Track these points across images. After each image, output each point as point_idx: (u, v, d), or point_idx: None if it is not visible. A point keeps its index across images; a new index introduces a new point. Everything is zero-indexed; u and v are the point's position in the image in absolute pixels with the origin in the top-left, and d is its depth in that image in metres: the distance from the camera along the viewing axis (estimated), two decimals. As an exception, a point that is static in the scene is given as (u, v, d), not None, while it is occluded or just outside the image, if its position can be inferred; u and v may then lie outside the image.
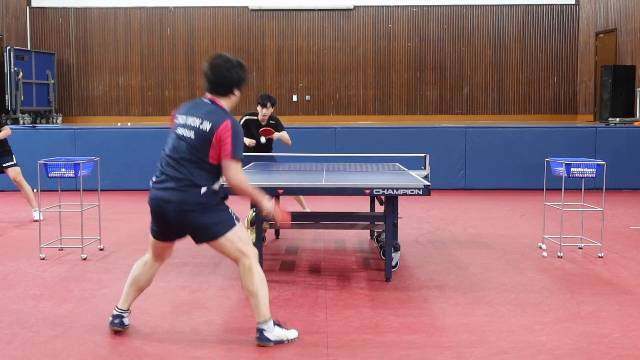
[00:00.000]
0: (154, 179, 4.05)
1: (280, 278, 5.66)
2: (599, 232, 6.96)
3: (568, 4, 17.32)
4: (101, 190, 7.30)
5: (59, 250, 6.66)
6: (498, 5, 17.37)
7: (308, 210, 8.22)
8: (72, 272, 5.87)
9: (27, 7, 17.44)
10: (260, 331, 4.04)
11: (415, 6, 17.40)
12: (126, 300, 4.31)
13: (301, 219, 6.88)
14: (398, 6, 17.39)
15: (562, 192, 6.79)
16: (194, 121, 3.96)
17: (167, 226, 4.06)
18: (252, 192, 4.05)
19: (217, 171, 4.00)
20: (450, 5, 17.35)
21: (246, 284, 4.05)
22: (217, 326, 4.48)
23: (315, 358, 3.89)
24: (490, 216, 8.97)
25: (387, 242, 5.54)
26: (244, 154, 7.57)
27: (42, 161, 6.54)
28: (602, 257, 6.42)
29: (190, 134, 3.95)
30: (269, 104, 7.82)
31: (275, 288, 5.33)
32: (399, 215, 6.44)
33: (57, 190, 6.88)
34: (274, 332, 4.06)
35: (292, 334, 4.15)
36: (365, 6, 17.40)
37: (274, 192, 5.90)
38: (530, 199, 10.28)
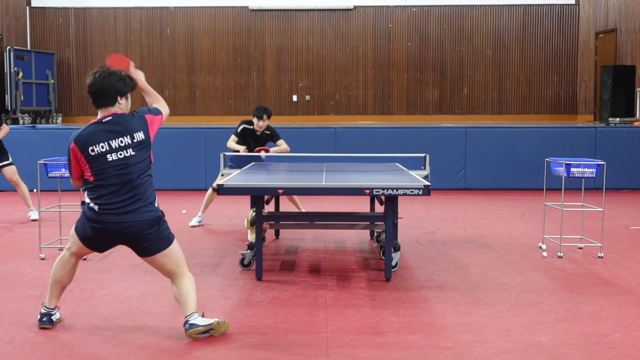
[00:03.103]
0: (108, 206, 4.02)
1: (280, 278, 5.66)
2: (599, 232, 6.96)
3: (568, 4, 17.32)
4: (101, 190, 7.28)
5: (59, 250, 6.65)
6: (498, 5, 17.36)
7: (303, 210, 8.21)
8: (72, 272, 5.86)
9: (27, 7, 17.43)
10: (187, 322, 4.11)
11: (415, 6, 17.40)
12: (52, 298, 4.41)
13: (301, 219, 6.88)
14: (398, 6, 17.38)
15: (562, 192, 6.79)
16: (123, 140, 4.01)
17: (111, 243, 4.20)
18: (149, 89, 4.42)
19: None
20: (450, 5, 17.34)
21: (179, 287, 4.19)
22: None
23: (315, 358, 3.89)
24: (490, 216, 8.97)
25: (387, 242, 5.54)
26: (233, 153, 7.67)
27: (42, 161, 6.54)
28: (602, 257, 6.42)
29: (131, 153, 4.01)
30: (265, 116, 7.80)
31: (275, 288, 5.33)
32: (399, 215, 6.44)
33: (57, 190, 6.88)
34: (199, 320, 4.11)
35: (212, 321, 4.17)
36: (365, 6, 17.39)
37: (274, 192, 5.92)
38: (530, 199, 10.28)
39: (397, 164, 7.38)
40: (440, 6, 17.37)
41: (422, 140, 11.18)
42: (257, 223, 5.66)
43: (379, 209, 6.70)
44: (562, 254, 6.46)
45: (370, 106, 17.53)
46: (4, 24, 16.35)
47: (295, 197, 8.11)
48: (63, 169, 6.47)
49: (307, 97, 17.48)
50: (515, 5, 17.34)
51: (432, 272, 5.88)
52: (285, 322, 4.52)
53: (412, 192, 5.27)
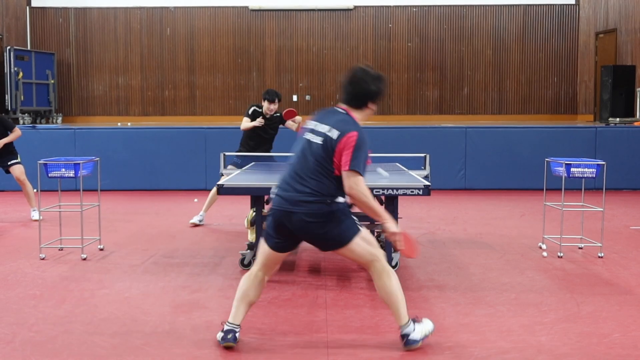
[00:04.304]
0: (278, 187, 3.99)
1: (280, 278, 5.66)
2: (599, 232, 6.96)
3: (568, 4, 17.31)
4: (101, 190, 7.29)
5: (59, 250, 6.66)
6: (498, 5, 17.36)
7: None
8: (72, 272, 5.87)
9: (27, 7, 17.42)
10: (405, 336, 3.99)
11: (415, 6, 17.39)
12: (237, 315, 4.13)
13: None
14: (398, 6, 17.38)
15: (562, 192, 6.79)
16: (323, 128, 3.92)
17: (289, 236, 4.03)
18: (373, 206, 3.91)
19: (341, 183, 3.90)
20: (450, 5, 17.34)
21: (384, 286, 4.02)
22: (217, 326, 4.47)
23: (315, 358, 3.89)
24: (490, 216, 8.96)
25: (387, 242, 5.54)
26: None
27: (42, 161, 6.53)
28: (602, 257, 6.42)
29: (318, 140, 3.91)
30: (276, 100, 8.04)
31: (275, 288, 5.34)
32: (399, 215, 6.44)
33: (57, 190, 6.88)
34: (416, 332, 4.02)
35: (429, 325, 4.10)
36: (365, 6, 17.38)
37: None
38: (530, 199, 10.28)
39: (397, 164, 7.38)
40: (440, 6, 17.36)
41: (422, 140, 11.18)
42: (257, 223, 5.66)
43: (379, 209, 6.69)
44: (562, 254, 6.46)
45: (370, 106, 17.51)
46: (4, 24, 16.35)
47: None
48: (63, 169, 6.47)
49: (307, 97, 17.48)
50: (515, 5, 17.33)
51: (432, 272, 5.88)
52: (285, 322, 4.52)
53: (412, 192, 5.28)
